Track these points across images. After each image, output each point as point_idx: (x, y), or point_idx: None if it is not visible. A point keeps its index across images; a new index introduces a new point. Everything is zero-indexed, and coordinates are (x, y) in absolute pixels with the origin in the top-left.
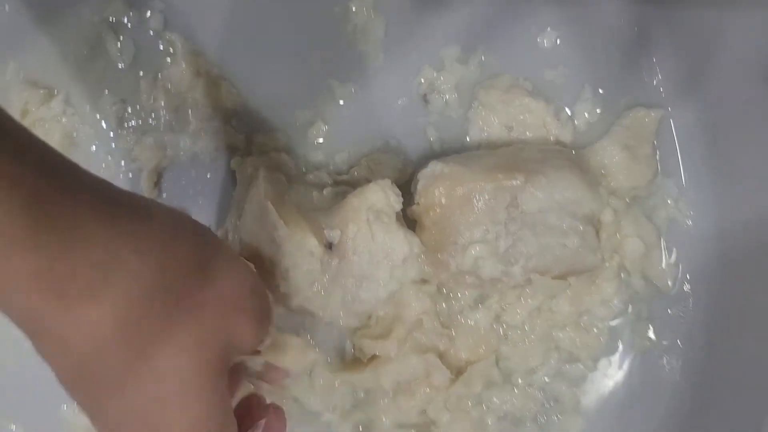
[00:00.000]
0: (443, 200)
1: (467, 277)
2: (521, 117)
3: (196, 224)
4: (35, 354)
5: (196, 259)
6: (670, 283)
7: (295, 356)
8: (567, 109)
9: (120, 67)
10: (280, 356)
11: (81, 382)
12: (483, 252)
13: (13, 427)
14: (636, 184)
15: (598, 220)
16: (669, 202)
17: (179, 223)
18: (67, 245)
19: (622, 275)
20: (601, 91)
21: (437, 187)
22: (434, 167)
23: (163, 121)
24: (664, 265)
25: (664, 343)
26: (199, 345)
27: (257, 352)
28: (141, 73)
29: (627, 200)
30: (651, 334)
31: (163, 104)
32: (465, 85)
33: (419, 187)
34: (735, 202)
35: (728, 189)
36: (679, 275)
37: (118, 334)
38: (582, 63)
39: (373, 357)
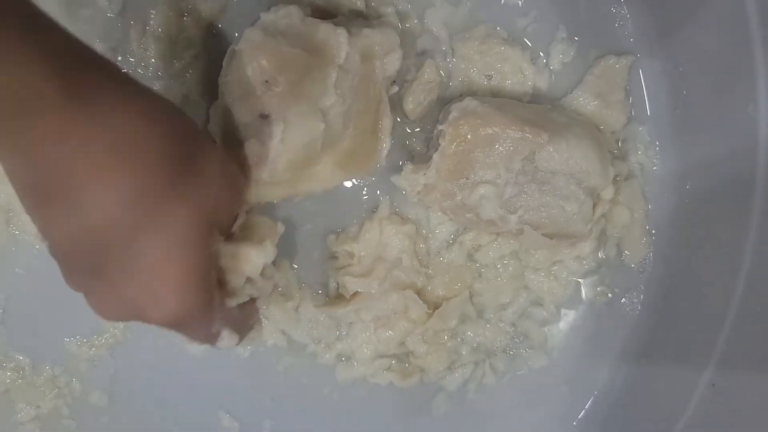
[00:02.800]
0: (469, 136)
1: (467, 212)
2: (498, 65)
3: (183, 113)
4: (40, 288)
5: (191, 137)
6: (638, 261)
7: (264, 234)
8: (542, 54)
9: (109, 15)
10: (251, 235)
11: (83, 245)
12: (489, 193)
13: (21, 357)
14: (611, 129)
15: (598, 195)
16: (639, 147)
17: (174, 107)
18: (90, 108)
19: (601, 241)
20: (574, 37)
21: (467, 122)
22: (469, 102)
23: (152, 69)
24: (639, 244)
25: (627, 285)
26: (196, 213)
27: (230, 236)
28: (131, 22)
29: (616, 151)
30: (612, 290)
31: (152, 52)
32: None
33: (450, 118)
34: (697, 149)
35: (692, 135)
36: (650, 255)
37: (126, 196)
38: (556, 10)
39: (356, 293)
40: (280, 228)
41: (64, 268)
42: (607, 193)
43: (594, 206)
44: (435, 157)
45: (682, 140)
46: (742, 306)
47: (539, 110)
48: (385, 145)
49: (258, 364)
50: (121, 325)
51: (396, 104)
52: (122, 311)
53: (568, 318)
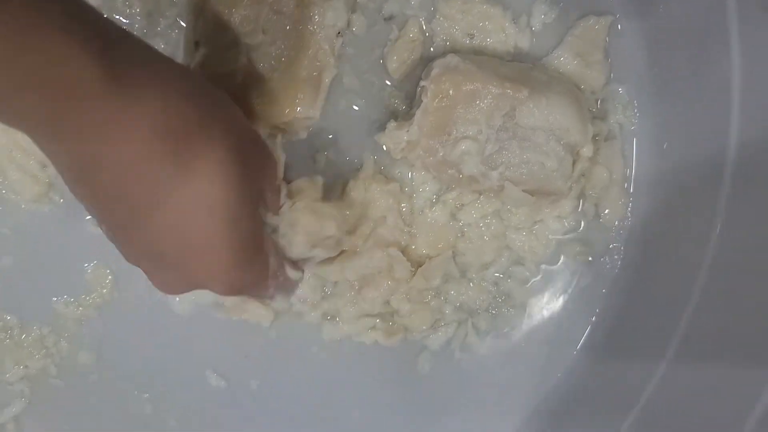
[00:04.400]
0: (451, 92)
1: (449, 168)
2: (481, 24)
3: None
4: (27, 248)
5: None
6: (617, 221)
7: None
8: (524, 14)
9: None
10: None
11: (119, 196)
12: (471, 149)
13: (8, 317)
14: (591, 89)
15: (577, 153)
16: (618, 107)
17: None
18: (128, 95)
19: (581, 201)
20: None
21: (449, 78)
22: (451, 59)
23: (137, 27)
24: (618, 204)
25: (607, 244)
26: (232, 158)
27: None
28: None
29: (595, 110)
30: (592, 249)
31: (137, 10)
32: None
33: (432, 74)
34: (675, 108)
35: (669, 95)
36: (629, 217)
37: (157, 138)
38: None
39: (341, 251)
40: (319, 181)
41: (121, 247)
42: (587, 151)
43: (573, 163)
44: (417, 113)
45: (660, 100)
46: (716, 260)
47: (521, 68)
48: (320, 96)
49: (245, 323)
50: (108, 284)
51: (380, 64)
52: (183, 287)
53: (549, 277)
